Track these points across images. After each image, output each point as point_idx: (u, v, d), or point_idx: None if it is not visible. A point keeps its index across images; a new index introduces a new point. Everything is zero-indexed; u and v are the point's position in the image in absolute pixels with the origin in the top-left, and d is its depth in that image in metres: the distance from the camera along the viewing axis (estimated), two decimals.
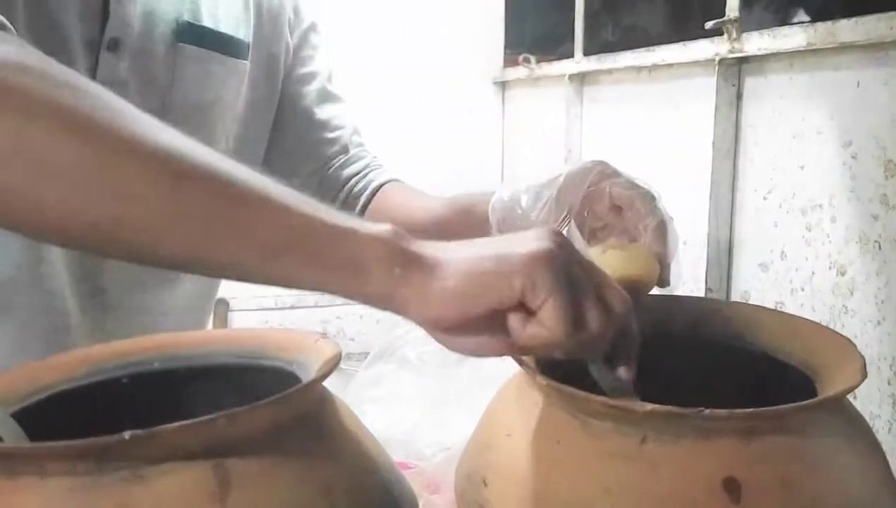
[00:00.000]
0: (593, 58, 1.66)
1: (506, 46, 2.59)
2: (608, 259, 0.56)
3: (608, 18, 1.84)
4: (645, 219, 0.60)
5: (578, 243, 0.57)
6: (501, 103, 2.65)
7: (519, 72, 2.35)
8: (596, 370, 0.48)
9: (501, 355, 0.45)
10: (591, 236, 0.62)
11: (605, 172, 0.62)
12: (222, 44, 0.78)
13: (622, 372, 0.48)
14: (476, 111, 2.55)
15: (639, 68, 1.45)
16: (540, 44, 2.31)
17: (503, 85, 2.68)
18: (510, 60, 2.54)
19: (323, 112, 0.87)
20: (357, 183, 0.86)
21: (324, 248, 0.41)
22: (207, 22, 0.76)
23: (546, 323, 0.41)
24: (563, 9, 1.95)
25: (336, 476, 0.39)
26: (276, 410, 0.38)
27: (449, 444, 1.15)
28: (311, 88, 0.87)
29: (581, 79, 1.76)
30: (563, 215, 0.60)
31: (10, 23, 0.60)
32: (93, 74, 0.69)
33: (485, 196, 0.67)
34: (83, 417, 0.47)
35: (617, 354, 0.48)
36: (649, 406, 0.41)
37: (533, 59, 2.15)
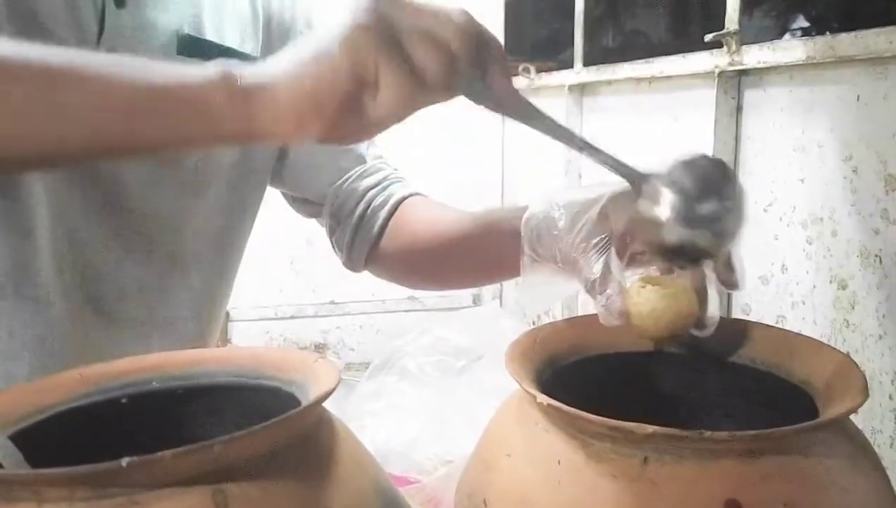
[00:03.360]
0: (593, 68, 1.66)
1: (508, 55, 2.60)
2: (647, 295, 0.54)
3: (608, 27, 1.84)
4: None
5: (616, 271, 0.56)
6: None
7: (518, 82, 2.36)
8: (473, 93, 0.50)
9: (368, 137, 0.51)
10: (632, 261, 0.59)
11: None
12: (226, 57, 0.76)
13: (496, 84, 0.50)
14: (475, 122, 2.54)
15: (638, 79, 1.46)
16: (539, 53, 2.31)
17: None
18: (509, 70, 2.55)
19: None
20: (376, 196, 0.82)
21: (175, 108, 0.47)
22: (211, 35, 0.75)
23: (390, 88, 0.44)
24: (562, 18, 1.95)
25: (336, 498, 0.39)
26: (275, 433, 0.37)
27: (449, 457, 1.15)
28: None
29: (580, 89, 1.76)
30: (603, 240, 0.57)
31: None
32: None
33: (516, 212, 0.65)
34: (82, 438, 0.47)
35: (479, 64, 0.50)
36: (651, 428, 0.41)
37: (532, 68, 2.16)
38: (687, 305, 0.54)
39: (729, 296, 1.18)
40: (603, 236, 0.57)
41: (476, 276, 0.82)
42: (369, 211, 0.81)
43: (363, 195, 0.82)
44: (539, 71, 2.14)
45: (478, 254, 0.75)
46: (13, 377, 0.70)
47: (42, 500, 0.34)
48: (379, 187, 0.82)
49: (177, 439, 0.52)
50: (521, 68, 2.21)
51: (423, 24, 0.47)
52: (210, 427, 0.52)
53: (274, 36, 0.81)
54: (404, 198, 0.81)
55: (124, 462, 0.33)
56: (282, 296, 2.60)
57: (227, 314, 2.55)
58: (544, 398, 0.45)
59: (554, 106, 1.91)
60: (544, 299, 0.66)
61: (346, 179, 0.83)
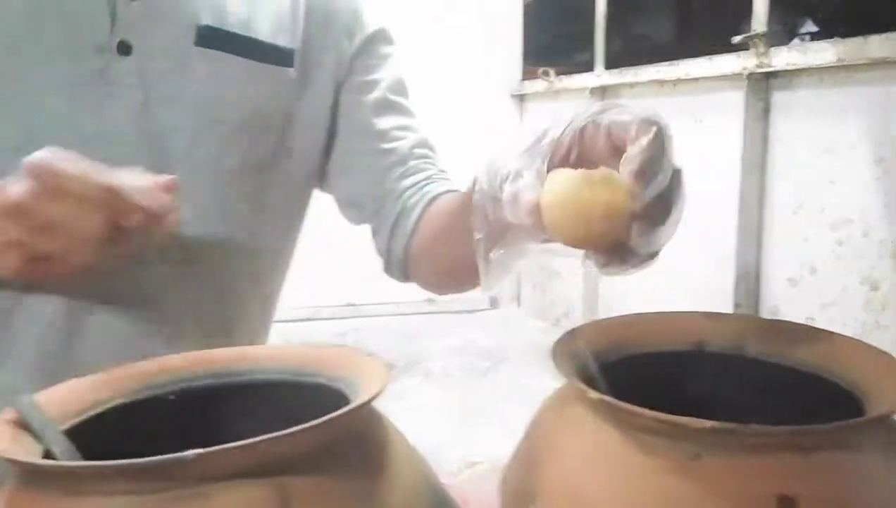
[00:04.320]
0: (615, 71, 1.66)
1: (524, 58, 2.60)
2: (560, 180, 0.45)
3: (629, 29, 1.84)
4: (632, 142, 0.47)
5: (535, 158, 0.48)
6: (520, 117, 2.65)
7: (538, 85, 2.36)
8: None
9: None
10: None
11: (606, 107, 0.51)
12: (254, 50, 0.74)
13: None
14: (494, 125, 2.54)
15: (662, 82, 1.46)
16: (559, 55, 2.31)
17: (521, 98, 2.68)
18: (529, 73, 2.55)
19: (381, 123, 0.82)
20: (411, 196, 0.80)
21: None
22: (235, 26, 0.73)
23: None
24: (582, 20, 1.95)
25: (392, 494, 0.39)
26: (334, 428, 0.38)
27: (476, 458, 1.15)
28: (370, 98, 0.82)
29: (602, 92, 1.76)
30: (534, 144, 0.50)
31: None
32: (101, 78, 0.68)
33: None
34: (131, 433, 0.47)
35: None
36: (705, 423, 0.41)
37: (552, 71, 2.16)
38: (610, 195, 0.45)
39: (756, 299, 1.18)
40: (537, 143, 0.50)
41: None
42: (403, 211, 0.79)
43: (400, 196, 0.80)
44: (559, 74, 2.14)
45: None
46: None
47: (109, 492, 0.34)
48: (416, 187, 0.80)
49: (224, 436, 0.52)
50: (540, 71, 2.22)
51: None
52: (256, 425, 0.52)
53: (316, 28, 0.79)
54: (436, 197, 0.78)
55: (190, 454, 0.33)
56: (300, 297, 2.61)
57: None
58: (595, 394, 0.45)
59: (574, 108, 1.91)
60: (505, 270, 0.57)
61: (388, 179, 0.81)
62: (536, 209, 0.47)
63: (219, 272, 0.78)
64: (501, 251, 0.56)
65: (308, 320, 2.66)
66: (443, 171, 0.82)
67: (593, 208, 0.45)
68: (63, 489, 0.35)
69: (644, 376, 0.59)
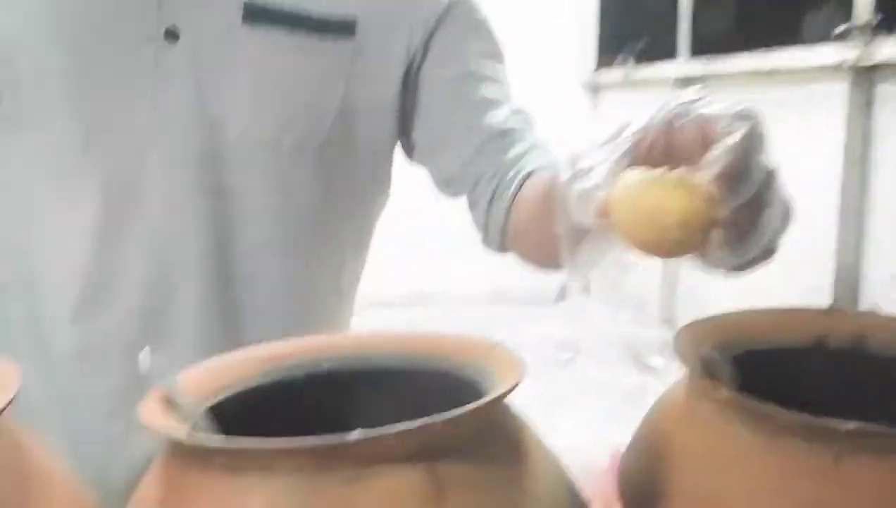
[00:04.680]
0: (701, 60, 1.63)
1: (599, 47, 2.56)
2: (632, 182, 0.42)
3: (717, 16, 1.79)
4: (718, 141, 0.44)
5: (607, 153, 0.46)
6: (593, 109, 2.62)
7: (614, 75, 2.32)
8: None
9: None
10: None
11: (698, 97, 0.48)
12: (306, 24, 0.71)
13: None
14: (564, 117, 2.51)
15: (755, 73, 1.42)
16: (638, 43, 2.27)
17: (595, 89, 2.65)
18: (603, 62, 2.51)
19: (468, 96, 0.78)
20: (509, 170, 0.75)
21: None
22: (284, 2, 0.70)
23: None
24: (665, 6, 1.91)
25: (534, 481, 0.40)
26: (482, 416, 0.38)
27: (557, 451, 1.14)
28: (453, 71, 0.78)
29: (686, 83, 1.73)
30: (612, 140, 0.48)
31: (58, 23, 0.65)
32: (154, 67, 0.68)
33: None
34: (258, 417, 0.49)
35: None
36: (849, 425, 0.40)
37: (631, 60, 2.13)
38: (686, 201, 0.41)
39: (856, 295, 1.15)
40: (616, 141, 0.48)
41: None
42: (500, 187, 0.76)
43: (497, 171, 0.76)
44: (637, 63, 2.11)
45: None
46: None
47: (271, 471, 0.35)
48: (513, 160, 0.76)
49: (349, 422, 0.53)
50: (618, 60, 2.19)
51: None
52: (380, 411, 0.53)
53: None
54: (534, 171, 0.74)
55: (353, 436, 0.34)
56: (371, 285, 2.61)
57: None
58: (726, 392, 0.45)
59: (656, 99, 1.87)
60: (589, 264, 0.56)
61: (481, 155, 0.78)
62: (604, 210, 0.45)
63: (287, 258, 0.77)
64: (585, 245, 0.54)
65: (379, 308, 2.69)
66: (539, 142, 0.78)
67: (666, 213, 0.41)
68: (225, 466, 0.36)
69: (760, 372, 0.58)
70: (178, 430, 0.39)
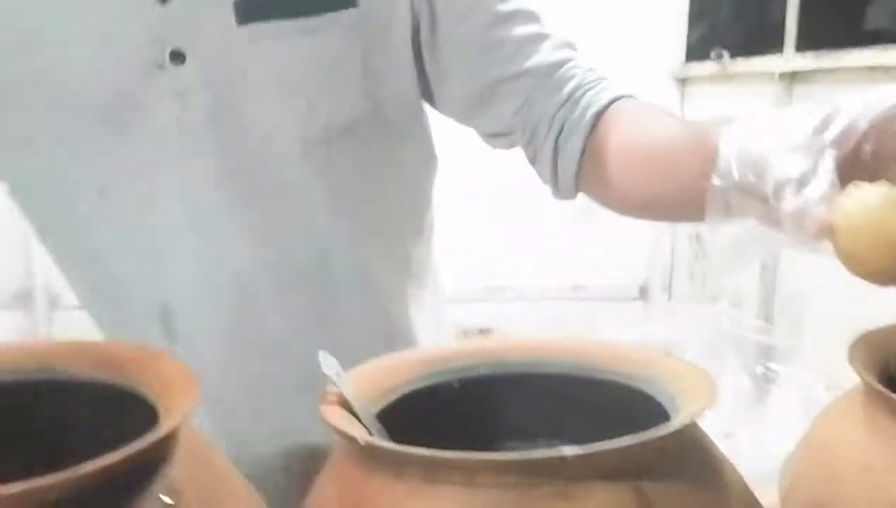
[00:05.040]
0: (809, 54, 1.57)
1: (689, 39, 2.50)
2: (863, 196, 0.39)
3: (827, 8, 1.71)
4: None
5: (827, 171, 0.43)
6: (680, 102, 2.56)
7: (706, 68, 2.27)
8: None
9: None
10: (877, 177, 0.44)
11: None
12: (302, 4, 0.66)
13: None
14: None
15: (873, 68, 1.36)
16: (732, 35, 2.21)
17: (683, 82, 2.59)
18: (694, 54, 2.45)
19: (502, 42, 0.71)
20: (569, 114, 0.69)
21: None
22: None
23: None
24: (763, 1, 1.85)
25: (727, 499, 0.38)
26: (685, 433, 0.37)
27: None
28: (479, 21, 0.71)
29: (792, 77, 1.67)
30: (818, 141, 0.45)
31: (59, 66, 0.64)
32: (171, 92, 0.66)
33: (718, 127, 0.55)
34: (416, 419, 0.48)
35: None
36: None
37: (725, 53, 2.07)
38: None
39: None
40: (819, 139, 0.45)
41: (683, 203, 0.64)
42: (563, 133, 0.70)
43: (554, 116, 0.70)
44: (734, 56, 2.05)
45: (680, 174, 0.62)
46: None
47: (472, 484, 0.34)
48: (571, 102, 0.70)
49: (503, 427, 0.52)
50: (713, 53, 2.13)
51: None
52: (534, 417, 0.52)
53: None
54: (601, 112, 0.68)
55: (567, 452, 0.33)
56: (450, 278, 2.61)
57: None
58: None
59: (756, 94, 1.82)
60: (735, 251, 0.54)
61: (533, 102, 0.71)
62: (828, 231, 0.42)
63: (349, 249, 0.74)
64: (738, 241, 0.53)
65: (462, 301, 2.68)
66: (591, 69, 0.72)
67: None
68: (420, 476, 0.35)
69: None
70: (365, 435, 0.39)
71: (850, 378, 0.49)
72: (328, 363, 0.43)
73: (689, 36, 2.49)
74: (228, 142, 0.68)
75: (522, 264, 2.68)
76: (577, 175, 0.70)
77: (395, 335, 0.78)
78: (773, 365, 0.97)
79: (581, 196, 0.74)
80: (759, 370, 0.91)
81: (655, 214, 0.75)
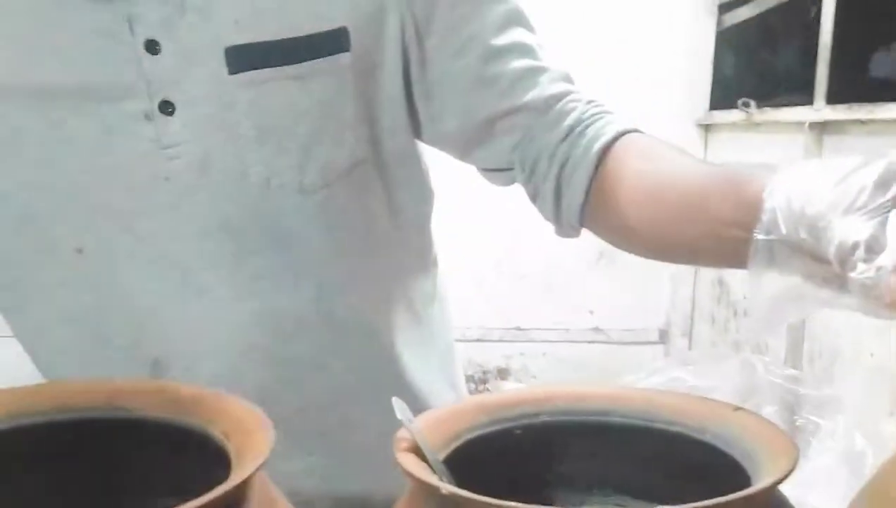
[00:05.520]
0: (840, 106, 1.58)
1: (714, 87, 2.52)
2: None
3: (856, 64, 1.73)
4: None
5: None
6: (703, 148, 2.58)
7: (731, 116, 2.28)
8: None
9: None
10: None
11: None
12: (295, 50, 0.65)
13: None
14: None
15: None
16: (759, 86, 2.23)
17: (706, 128, 2.61)
18: (719, 102, 2.47)
19: (498, 77, 0.69)
20: (571, 148, 0.67)
21: None
22: (266, 33, 0.64)
23: None
24: (795, 51, 1.87)
25: None
26: (769, 493, 0.36)
27: None
28: (472, 58, 0.68)
29: (822, 127, 1.68)
30: (880, 201, 0.44)
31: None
32: (158, 144, 0.64)
33: (762, 171, 0.52)
34: (477, 465, 0.48)
35: None
36: None
37: (753, 103, 2.08)
38: None
39: None
40: (882, 198, 0.43)
41: (702, 247, 0.62)
42: (566, 168, 0.67)
43: (555, 151, 0.68)
44: (760, 106, 2.06)
45: (707, 218, 0.59)
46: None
47: None
48: (573, 136, 0.67)
49: (558, 474, 0.52)
50: (739, 102, 2.14)
51: None
52: (591, 466, 0.52)
53: None
54: (608, 145, 0.66)
55: None
56: (468, 318, 2.63)
57: None
58: None
59: (783, 143, 1.83)
60: (778, 308, 0.51)
61: (532, 136, 0.69)
62: None
63: (349, 294, 0.73)
64: (780, 298, 0.52)
65: (478, 340, 2.68)
66: (592, 102, 0.69)
67: None
68: None
69: None
70: (443, 484, 0.39)
71: (887, 430, 0.48)
72: (401, 409, 0.43)
73: (713, 83, 2.51)
74: (219, 192, 0.66)
75: (542, 305, 2.68)
76: (582, 211, 0.68)
77: (398, 380, 0.76)
78: (812, 417, 0.95)
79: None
80: (800, 421, 0.90)
81: (671, 256, 0.72)
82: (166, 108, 0.63)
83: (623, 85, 2.37)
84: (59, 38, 0.62)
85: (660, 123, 2.61)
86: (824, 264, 0.46)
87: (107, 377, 0.50)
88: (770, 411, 1.28)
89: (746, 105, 2.08)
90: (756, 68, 2.32)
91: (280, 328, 0.70)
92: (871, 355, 1.51)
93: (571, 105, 0.69)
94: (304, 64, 0.65)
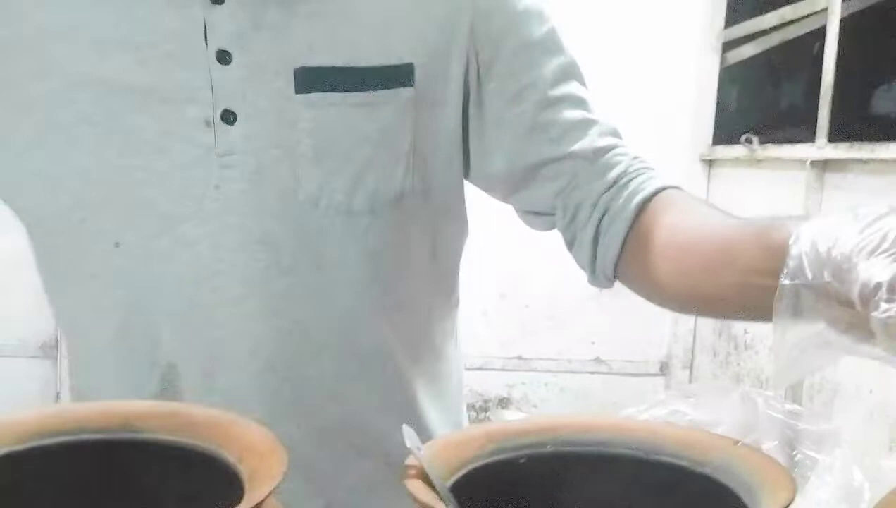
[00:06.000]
0: (842, 145, 1.60)
1: (717, 123, 2.55)
2: None
3: (855, 103, 1.76)
4: None
5: None
6: (706, 182, 2.60)
7: (734, 151, 2.30)
8: None
9: None
10: None
11: None
12: (361, 79, 0.67)
13: None
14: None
15: None
16: (760, 123, 2.26)
17: (710, 163, 2.63)
18: (722, 138, 2.50)
19: (549, 125, 0.72)
20: (613, 200, 0.69)
21: None
22: (336, 59, 0.66)
23: None
24: (797, 89, 1.90)
25: None
26: None
27: None
28: (527, 105, 0.71)
29: (824, 165, 1.70)
30: None
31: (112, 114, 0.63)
32: (213, 152, 0.65)
33: (788, 222, 0.54)
34: (482, 494, 0.49)
35: None
36: None
37: (756, 139, 2.11)
38: None
39: None
40: None
41: (731, 297, 0.63)
42: (606, 218, 0.69)
43: (597, 201, 0.70)
44: (763, 142, 2.09)
45: (736, 268, 0.60)
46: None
47: None
48: (616, 188, 0.70)
49: (564, 504, 0.53)
50: (743, 139, 2.17)
51: None
52: (596, 497, 0.53)
53: (433, 34, 0.69)
54: (647, 199, 0.68)
55: None
56: (470, 346, 2.62)
57: None
58: None
59: (785, 179, 1.85)
60: (803, 359, 0.51)
61: (576, 185, 0.71)
62: None
63: (375, 319, 0.73)
64: (804, 346, 0.50)
65: (480, 369, 2.68)
66: (637, 158, 0.72)
67: None
68: None
69: None
70: None
71: (886, 465, 0.48)
72: (410, 437, 0.44)
73: (717, 119, 2.54)
74: (266, 206, 0.67)
75: (544, 335, 2.69)
76: (618, 262, 0.70)
77: (410, 412, 0.76)
78: (810, 452, 0.95)
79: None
80: (798, 456, 0.90)
81: (702, 308, 0.74)
82: (228, 117, 0.65)
83: (627, 120, 2.39)
84: (136, 36, 0.64)
85: (664, 157, 2.62)
86: (848, 309, 0.47)
87: (123, 400, 0.51)
88: (770, 446, 1.28)
89: (749, 141, 2.11)
90: (759, 105, 2.35)
91: (302, 348, 0.70)
92: (871, 391, 1.52)
93: (617, 158, 0.71)
94: (369, 93, 0.67)
